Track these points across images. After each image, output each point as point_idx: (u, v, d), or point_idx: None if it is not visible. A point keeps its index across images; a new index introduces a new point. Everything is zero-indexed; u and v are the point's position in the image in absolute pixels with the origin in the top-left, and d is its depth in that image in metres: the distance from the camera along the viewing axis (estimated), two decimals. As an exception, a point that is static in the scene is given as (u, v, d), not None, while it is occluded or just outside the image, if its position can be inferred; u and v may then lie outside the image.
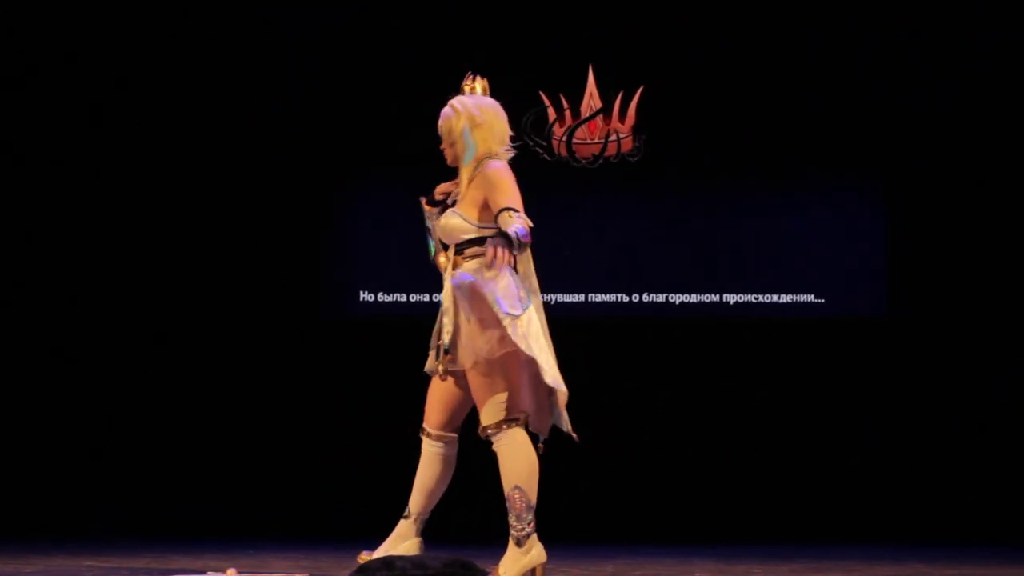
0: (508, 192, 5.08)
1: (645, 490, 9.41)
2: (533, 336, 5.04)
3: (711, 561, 6.88)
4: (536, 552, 5.11)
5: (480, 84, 5.43)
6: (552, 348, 5.14)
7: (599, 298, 9.65)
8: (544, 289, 9.11)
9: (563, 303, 9.57)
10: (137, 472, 9.33)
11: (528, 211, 5.12)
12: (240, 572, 5.68)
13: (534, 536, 5.11)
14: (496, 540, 7.59)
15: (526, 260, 5.26)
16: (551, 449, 5.31)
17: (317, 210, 9.58)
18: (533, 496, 5.11)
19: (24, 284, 9.36)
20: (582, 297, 9.65)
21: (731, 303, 9.59)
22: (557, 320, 8.84)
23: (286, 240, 9.58)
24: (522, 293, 5.12)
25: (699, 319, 9.58)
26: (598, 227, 9.71)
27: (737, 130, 9.65)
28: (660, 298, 9.62)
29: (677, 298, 9.60)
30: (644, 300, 9.62)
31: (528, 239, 4.97)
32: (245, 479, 9.30)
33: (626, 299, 9.64)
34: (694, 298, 9.61)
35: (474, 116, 5.30)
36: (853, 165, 9.60)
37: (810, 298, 9.57)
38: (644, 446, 9.49)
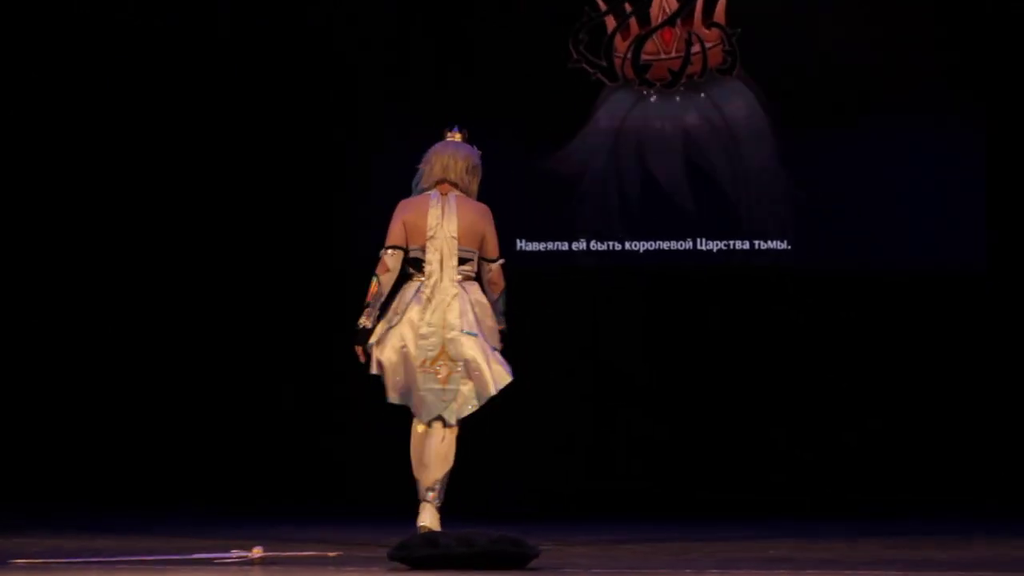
0: None
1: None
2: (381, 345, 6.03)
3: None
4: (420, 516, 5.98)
5: (460, 135, 6.10)
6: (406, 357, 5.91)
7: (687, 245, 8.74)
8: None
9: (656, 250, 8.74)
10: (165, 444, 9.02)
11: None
12: (267, 551, 5.60)
13: (422, 504, 5.96)
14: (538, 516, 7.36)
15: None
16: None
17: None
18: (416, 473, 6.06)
19: (52, 261, 9.17)
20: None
21: (822, 253, 8.63)
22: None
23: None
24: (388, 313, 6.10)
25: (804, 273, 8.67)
26: (667, 162, 8.66)
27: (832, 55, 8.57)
28: (745, 245, 8.62)
29: (763, 244, 8.64)
30: (721, 249, 8.64)
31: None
32: (286, 451, 8.87)
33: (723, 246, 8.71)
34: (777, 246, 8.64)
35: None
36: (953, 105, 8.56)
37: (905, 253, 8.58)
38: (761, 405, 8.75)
